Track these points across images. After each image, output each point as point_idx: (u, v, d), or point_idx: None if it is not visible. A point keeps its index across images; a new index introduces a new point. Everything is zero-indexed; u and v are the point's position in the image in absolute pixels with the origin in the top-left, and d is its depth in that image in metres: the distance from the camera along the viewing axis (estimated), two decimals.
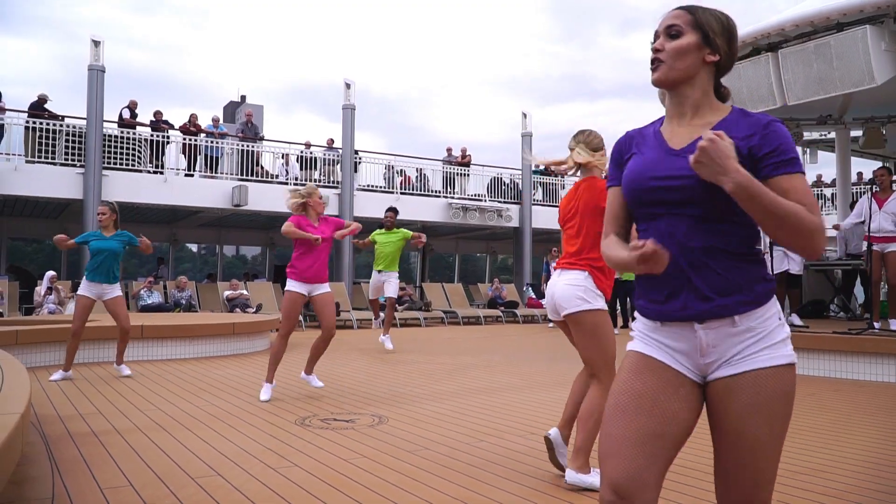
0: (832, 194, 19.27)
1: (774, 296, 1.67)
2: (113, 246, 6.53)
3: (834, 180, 13.91)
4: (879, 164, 12.72)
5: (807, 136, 13.03)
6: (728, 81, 1.85)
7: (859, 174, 17.34)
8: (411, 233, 9.13)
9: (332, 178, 17.10)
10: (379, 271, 9.25)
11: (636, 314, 1.76)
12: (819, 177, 21.47)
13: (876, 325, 7.63)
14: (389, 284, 9.14)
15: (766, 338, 1.60)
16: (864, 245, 8.05)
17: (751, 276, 1.61)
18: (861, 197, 8.89)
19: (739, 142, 1.57)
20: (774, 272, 8.77)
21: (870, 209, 7.84)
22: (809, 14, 8.30)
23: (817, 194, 19.85)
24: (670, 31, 1.69)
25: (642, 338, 1.72)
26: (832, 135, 12.46)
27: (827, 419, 4.79)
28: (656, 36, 1.74)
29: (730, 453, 1.62)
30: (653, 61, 1.70)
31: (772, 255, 8.31)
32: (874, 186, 8.02)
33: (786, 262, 8.84)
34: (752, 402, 1.58)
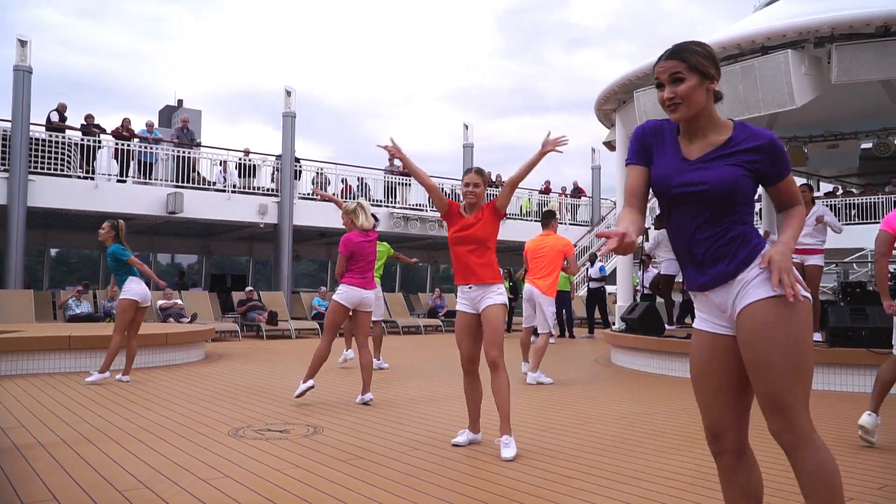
0: (759, 209, 20.07)
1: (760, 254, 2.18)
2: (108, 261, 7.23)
3: (760, 196, 14.51)
4: (803, 181, 13.33)
5: None
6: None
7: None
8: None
9: (272, 186, 16.91)
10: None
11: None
12: None
13: None
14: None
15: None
16: None
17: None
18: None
19: (747, 147, 2.06)
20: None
21: None
22: (736, 37, 8.67)
23: None
24: (674, 78, 2.07)
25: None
26: None
27: None
28: (660, 84, 2.10)
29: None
30: (671, 105, 2.08)
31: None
32: None
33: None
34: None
